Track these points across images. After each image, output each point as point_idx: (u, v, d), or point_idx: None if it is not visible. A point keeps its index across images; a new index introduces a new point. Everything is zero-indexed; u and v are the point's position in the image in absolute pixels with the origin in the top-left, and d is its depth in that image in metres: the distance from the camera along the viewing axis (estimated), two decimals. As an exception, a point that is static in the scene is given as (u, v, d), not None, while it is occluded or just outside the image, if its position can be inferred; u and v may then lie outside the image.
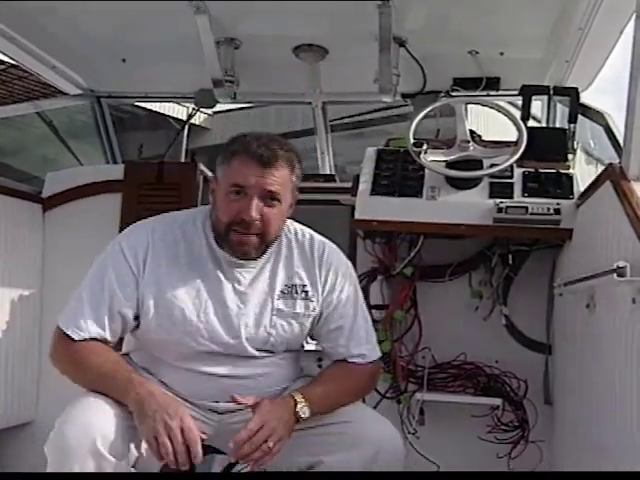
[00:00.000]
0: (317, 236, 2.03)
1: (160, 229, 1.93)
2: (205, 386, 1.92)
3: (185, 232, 1.94)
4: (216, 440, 1.94)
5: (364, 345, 1.99)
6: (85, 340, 1.83)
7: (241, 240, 1.85)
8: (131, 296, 1.87)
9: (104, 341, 1.86)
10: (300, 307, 1.95)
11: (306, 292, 1.95)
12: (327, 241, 2.04)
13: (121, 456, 1.69)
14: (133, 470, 1.74)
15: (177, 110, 8.24)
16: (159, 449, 1.64)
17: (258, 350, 1.94)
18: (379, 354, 2.05)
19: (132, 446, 1.73)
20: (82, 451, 1.64)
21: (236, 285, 1.91)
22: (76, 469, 1.64)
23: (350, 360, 1.98)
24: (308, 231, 2.03)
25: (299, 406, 1.79)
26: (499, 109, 2.71)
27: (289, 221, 2.00)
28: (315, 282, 1.96)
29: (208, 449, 1.97)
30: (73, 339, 1.83)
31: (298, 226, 2.02)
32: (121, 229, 2.96)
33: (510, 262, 2.80)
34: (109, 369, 1.78)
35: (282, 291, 1.94)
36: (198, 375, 1.92)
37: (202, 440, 1.70)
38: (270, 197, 1.83)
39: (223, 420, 1.96)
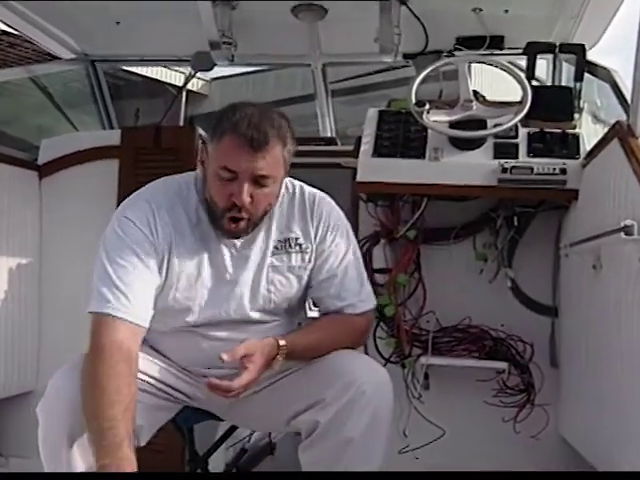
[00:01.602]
0: (307, 187, 2.02)
1: (158, 196, 1.91)
2: (201, 353, 1.93)
3: (181, 198, 1.93)
4: (211, 405, 2.00)
5: (356, 296, 1.98)
6: (127, 321, 1.77)
7: (230, 229, 1.86)
8: (155, 264, 1.85)
9: (143, 322, 1.82)
10: (296, 260, 1.96)
11: (300, 245, 1.96)
12: (318, 191, 2.03)
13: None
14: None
15: (174, 77, 8.20)
16: None
17: (260, 312, 1.95)
18: (371, 306, 2.03)
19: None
20: (75, 417, 1.65)
21: (232, 250, 1.92)
22: (65, 431, 1.65)
23: (340, 311, 1.97)
24: (298, 183, 2.02)
25: (278, 356, 1.82)
26: (503, 67, 2.68)
27: None
28: (308, 233, 1.97)
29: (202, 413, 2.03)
30: (115, 316, 1.76)
31: (287, 179, 1.99)
32: (119, 195, 3.00)
33: (515, 224, 2.79)
34: (106, 424, 1.67)
35: (276, 247, 1.94)
36: (195, 341, 1.93)
37: None
38: (261, 180, 1.82)
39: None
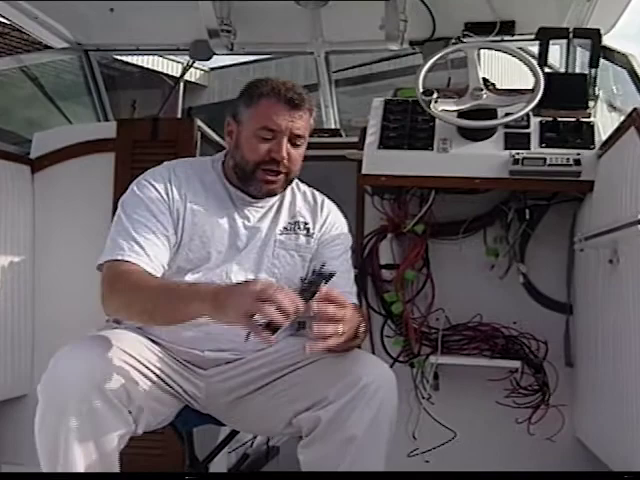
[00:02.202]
0: (317, 192, 2.20)
1: (176, 166, 2.07)
2: (190, 330, 1.94)
3: (198, 170, 2.08)
4: (209, 407, 2.02)
5: (345, 288, 2.01)
6: (142, 268, 1.86)
7: (268, 179, 1.99)
8: (169, 223, 1.97)
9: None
10: (302, 241, 2.10)
11: (307, 229, 2.12)
12: (327, 198, 2.20)
13: (126, 401, 1.73)
14: (133, 427, 1.77)
15: (171, 67, 8.19)
16: (261, 309, 1.59)
17: None
18: (357, 303, 2.10)
19: (135, 397, 1.77)
20: (81, 387, 1.66)
21: (246, 222, 2.05)
22: (71, 410, 1.65)
23: None
24: (308, 187, 2.20)
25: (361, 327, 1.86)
26: (514, 54, 2.67)
27: None
28: (316, 222, 2.13)
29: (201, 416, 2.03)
30: (130, 262, 1.86)
31: (295, 182, 2.15)
32: (115, 190, 3.00)
33: (527, 217, 2.77)
34: (169, 283, 1.86)
35: (285, 227, 2.10)
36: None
37: None
38: (296, 139, 1.99)
39: (210, 379, 2.00)
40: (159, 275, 1.91)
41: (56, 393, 1.68)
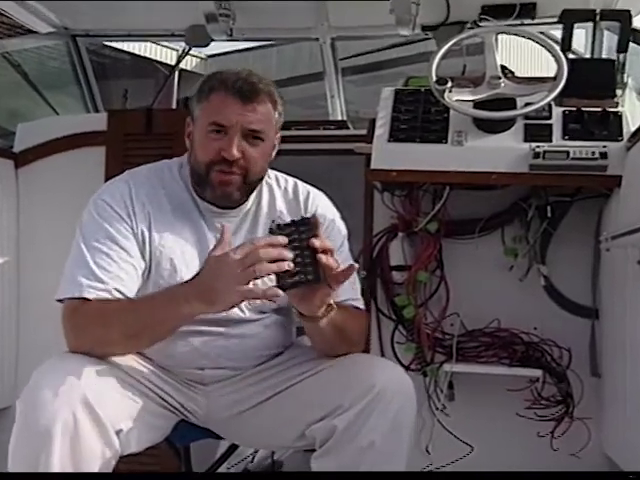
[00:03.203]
0: (301, 183, 2.13)
1: (136, 179, 1.99)
2: (186, 350, 1.95)
3: (162, 180, 2.01)
4: (209, 421, 2.02)
5: (346, 293, 2.00)
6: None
7: (222, 179, 1.92)
8: (134, 248, 1.90)
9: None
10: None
11: None
12: (313, 188, 2.12)
13: (114, 419, 1.71)
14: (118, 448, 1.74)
15: (166, 54, 8.20)
16: (253, 272, 1.62)
17: (246, 308, 1.98)
18: (363, 307, 2.08)
19: (126, 413, 1.76)
20: (64, 406, 1.64)
21: (218, 235, 1.93)
22: (52, 432, 1.62)
23: None
24: (291, 178, 2.12)
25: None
26: (535, 38, 2.65)
27: (268, 169, 2.07)
28: None
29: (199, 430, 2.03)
30: (88, 300, 1.81)
31: (279, 174, 2.10)
32: (106, 186, 2.99)
33: (549, 215, 2.76)
34: (142, 299, 1.82)
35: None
36: (179, 338, 1.93)
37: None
38: (252, 135, 1.91)
39: (211, 394, 2.00)
40: None
41: (36, 413, 1.65)
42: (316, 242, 1.68)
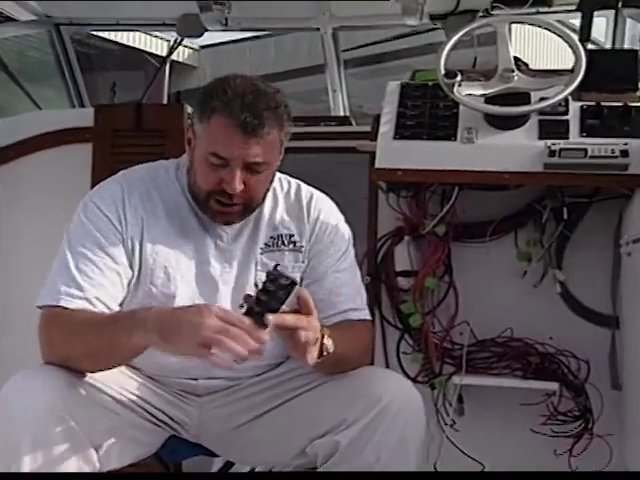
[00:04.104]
0: (304, 185, 2.13)
1: (130, 181, 1.99)
2: (178, 359, 1.91)
3: (157, 183, 2.00)
4: (202, 436, 2.02)
5: (350, 302, 2.02)
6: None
7: (222, 211, 1.93)
8: (122, 254, 1.90)
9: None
10: (289, 259, 2.02)
11: (294, 242, 2.04)
12: (316, 191, 2.13)
13: (93, 434, 1.73)
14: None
15: (156, 45, 8.21)
16: (220, 342, 1.60)
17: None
18: (369, 317, 2.08)
19: (106, 427, 1.77)
20: (37, 421, 1.64)
21: (218, 242, 1.98)
22: (24, 449, 1.63)
23: (332, 317, 1.99)
24: (294, 181, 2.12)
25: (325, 337, 1.79)
26: (551, 28, 2.65)
27: None
28: (303, 231, 2.05)
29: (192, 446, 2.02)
30: (65, 308, 1.82)
31: (282, 175, 2.10)
32: (93, 185, 2.96)
33: (565, 217, 2.76)
34: (108, 316, 1.80)
35: (267, 244, 2.02)
36: None
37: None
38: (255, 167, 1.88)
39: (204, 406, 2.00)
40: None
41: (4, 427, 1.66)
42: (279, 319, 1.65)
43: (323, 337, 1.77)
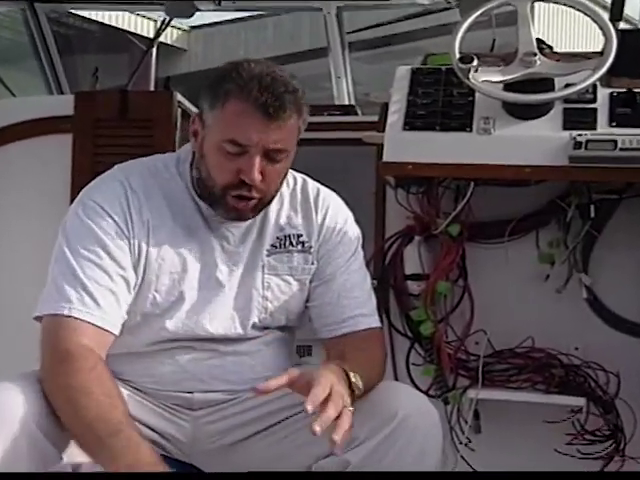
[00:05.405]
0: (311, 181, 2.13)
1: (131, 178, 1.97)
2: (171, 370, 1.96)
3: (158, 180, 1.99)
4: (194, 454, 2.01)
5: (361, 307, 2.04)
6: (94, 325, 1.81)
7: (239, 207, 1.91)
8: (128, 259, 1.90)
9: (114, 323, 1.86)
10: (298, 261, 2.04)
11: (302, 243, 2.05)
12: (323, 187, 2.13)
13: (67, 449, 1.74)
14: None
15: (142, 25, 8.22)
16: None
17: (252, 325, 2.00)
18: (379, 325, 2.10)
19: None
20: (9, 439, 1.65)
21: (224, 243, 1.98)
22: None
23: (341, 324, 2.02)
24: (300, 176, 2.12)
25: (352, 376, 1.80)
26: (577, 6, 2.66)
27: None
28: (311, 231, 2.06)
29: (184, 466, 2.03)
30: (79, 319, 1.80)
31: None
32: (73, 179, 3.00)
33: (592, 215, 2.77)
34: (112, 424, 1.73)
35: (273, 245, 2.02)
36: (164, 355, 1.96)
37: None
38: (274, 154, 1.88)
39: (199, 420, 2.00)
40: (116, 331, 1.86)
41: None
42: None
43: (348, 376, 1.78)
